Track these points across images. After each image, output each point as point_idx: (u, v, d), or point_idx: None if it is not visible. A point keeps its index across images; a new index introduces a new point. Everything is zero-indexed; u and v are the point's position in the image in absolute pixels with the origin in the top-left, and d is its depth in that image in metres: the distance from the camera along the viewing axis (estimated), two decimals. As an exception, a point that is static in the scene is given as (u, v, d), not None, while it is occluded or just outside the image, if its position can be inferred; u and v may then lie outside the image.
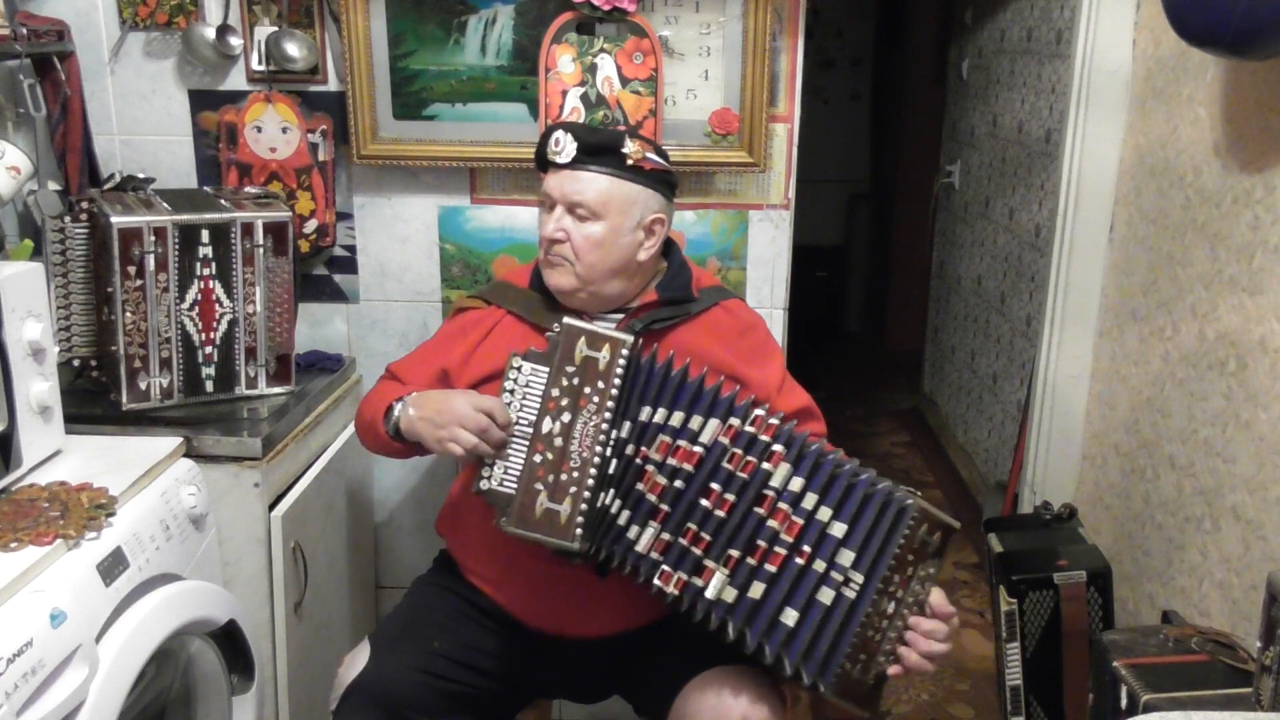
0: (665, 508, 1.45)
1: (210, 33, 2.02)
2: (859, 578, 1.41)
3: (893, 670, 1.42)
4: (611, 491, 1.47)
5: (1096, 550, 2.14)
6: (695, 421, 1.47)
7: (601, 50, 1.97)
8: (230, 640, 1.67)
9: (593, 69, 1.98)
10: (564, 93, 1.99)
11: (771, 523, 1.43)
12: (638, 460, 1.47)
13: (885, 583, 1.41)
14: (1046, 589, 2.05)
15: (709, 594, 1.42)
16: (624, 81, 1.98)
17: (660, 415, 1.48)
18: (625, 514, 1.47)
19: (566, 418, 1.47)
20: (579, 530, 1.45)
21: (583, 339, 1.49)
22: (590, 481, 1.45)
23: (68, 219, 1.80)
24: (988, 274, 3.56)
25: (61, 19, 2.01)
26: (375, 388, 1.76)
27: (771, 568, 1.42)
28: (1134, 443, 2.16)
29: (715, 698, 1.52)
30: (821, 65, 5.60)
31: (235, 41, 2.03)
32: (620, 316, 1.69)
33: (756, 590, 1.42)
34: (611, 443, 1.47)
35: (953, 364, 4.03)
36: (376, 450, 1.72)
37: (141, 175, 1.94)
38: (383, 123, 2.05)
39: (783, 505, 1.44)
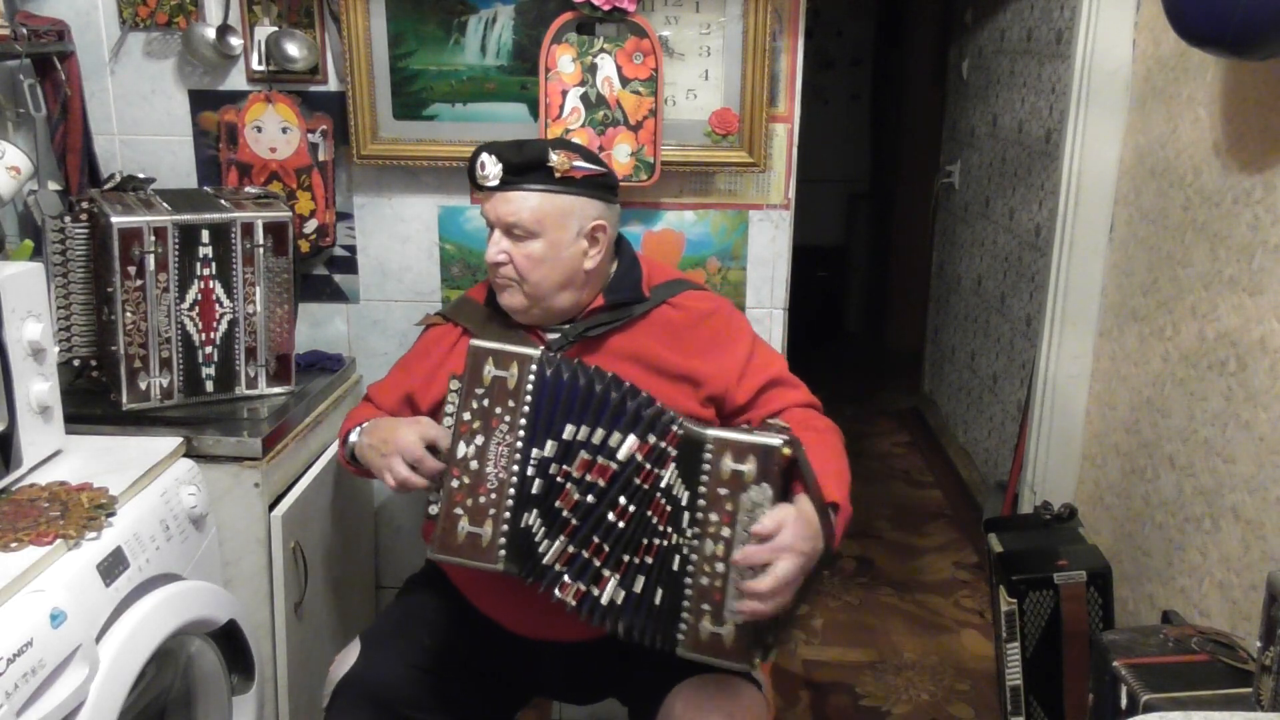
0: (575, 521, 1.44)
1: (210, 33, 2.02)
2: (690, 532, 1.39)
3: (748, 607, 1.36)
4: (534, 511, 1.45)
5: (1096, 550, 2.14)
6: (614, 439, 1.43)
7: (601, 50, 1.97)
8: (230, 640, 1.67)
9: (593, 69, 1.98)
10: (564, 93, 1.99)
11: (654, 520, 1.43)
12: (559, 479, 1.45)
13: (701, 525, 1.39)
14: (1046, 589, 2.05)
15: (603, 600, 1.42)
16: (624, 81, 1.98)
17: (583, 432, 1.44)
18: (543, 530, 1.45)
19: (480, 440, 1.45)
20: (502, 552, 1.44)
21: (490, 360, 1.45)
22: (510, 502, 1.43)
23: (68, 219, 1.80)
24: (988, 274, 3.56)
25: (61, 19, 2.01)
26: (352, 411, 1.78)
27: (649, 559, 1.42)
28: (1134, 443, 2.16)
29: (698, 701, 1.52)
30: (821, 65, 5.60)
31: (235, 41, 2.03)
32: (568, 327, 1.68)
33: (638, 584, 1.42)
34: (533, 462, 1.44)
35: (953, 364, 4.03)
36: (352, 472, 1.73)
37: (141, 175, 1.94)
38: (383, 123, 2.05)
39: (662, 500, 1.43)
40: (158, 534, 1.54)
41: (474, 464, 1.45)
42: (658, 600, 1.42)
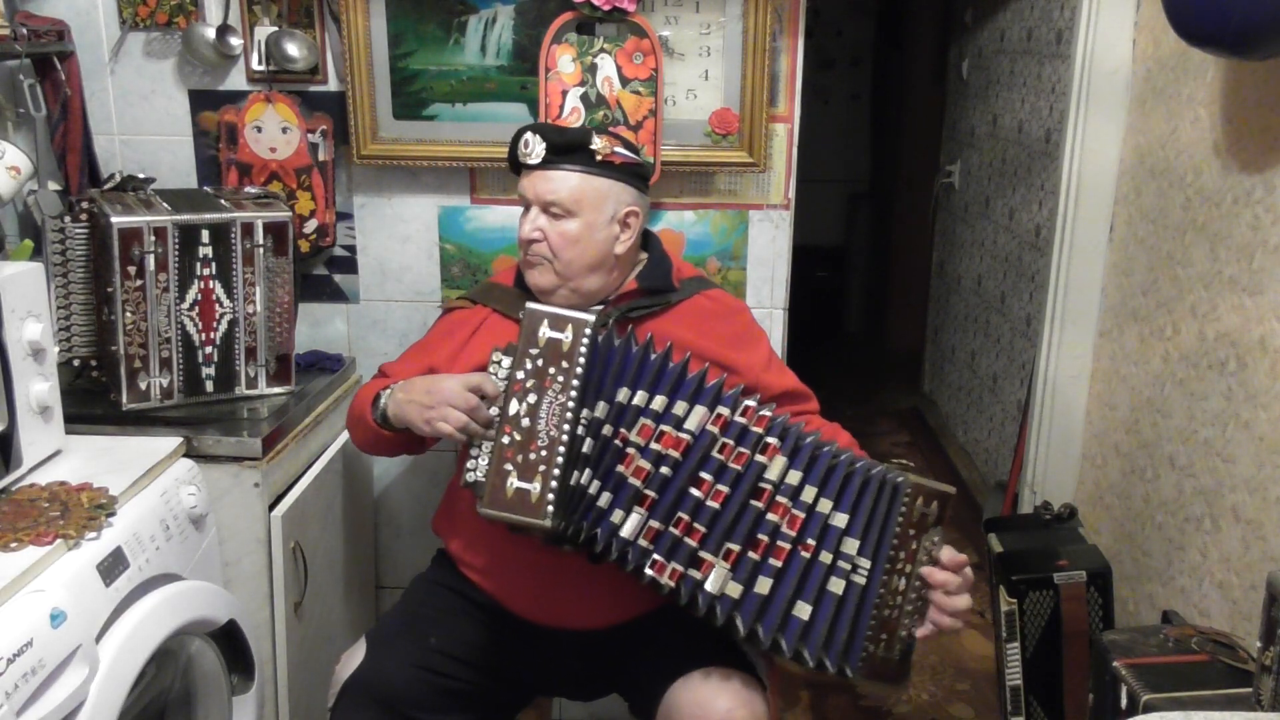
0: (652, 494, 1.45)
1: (210, 33, 2.02)
2: (865, 563, 1.44)
3: (921, 632, 1.46)
4: (589, 471, 1.47)
5: (1096, 550, 2.14)
6: (679, 407, 1.47)
7: (601, 50, 1.97)
8: (230, 640, 1.67)
9: (593, 69, 1.98)
10: (564, 93, 1.99)
11: (771, 516, 1.44)
12: (616, 442, 1.47)
13: (892, 562, 1.45)
14: (1046, 589, 2.04)
15: (709, 588, 1.43)
16: (624, 81, 1.98)
17: (640, 398, 1.47)
18: (606, 496, 1.46)
19: (533, 399, 1.47)
20: (550, 508, 1.44)
21: (545, 321, 1.49)
22: (560, 459, 1.45)
23: (68, 219, 1.80)
24: (988, 274, 3.56)
25: (61, 19, 2.01)
26: (366, 384, 1.77)
27: (776, 562, 1.43)
28: (1134, 443, 2.16)
29: (698, 696, 1.52)
30: (821, 65, 5.60)
31: (235, 41, 2.03)
32: (601, 309, 1.69)
33: (764, 585, 1.43)
34: (583, 422, 1.47)
35: (953, 364, 4.03)
36: (366, 446, 1.73)
37: (141, 175, 1.94)
38: (383, 123, 2.05)
39: (782, 499, 1.44)
40: (158, 534, 1.54)
41: (525, 421, 1.47)
42: (804, 616, 1.44)
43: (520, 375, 1.48)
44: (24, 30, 1.86)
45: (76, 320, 1.83)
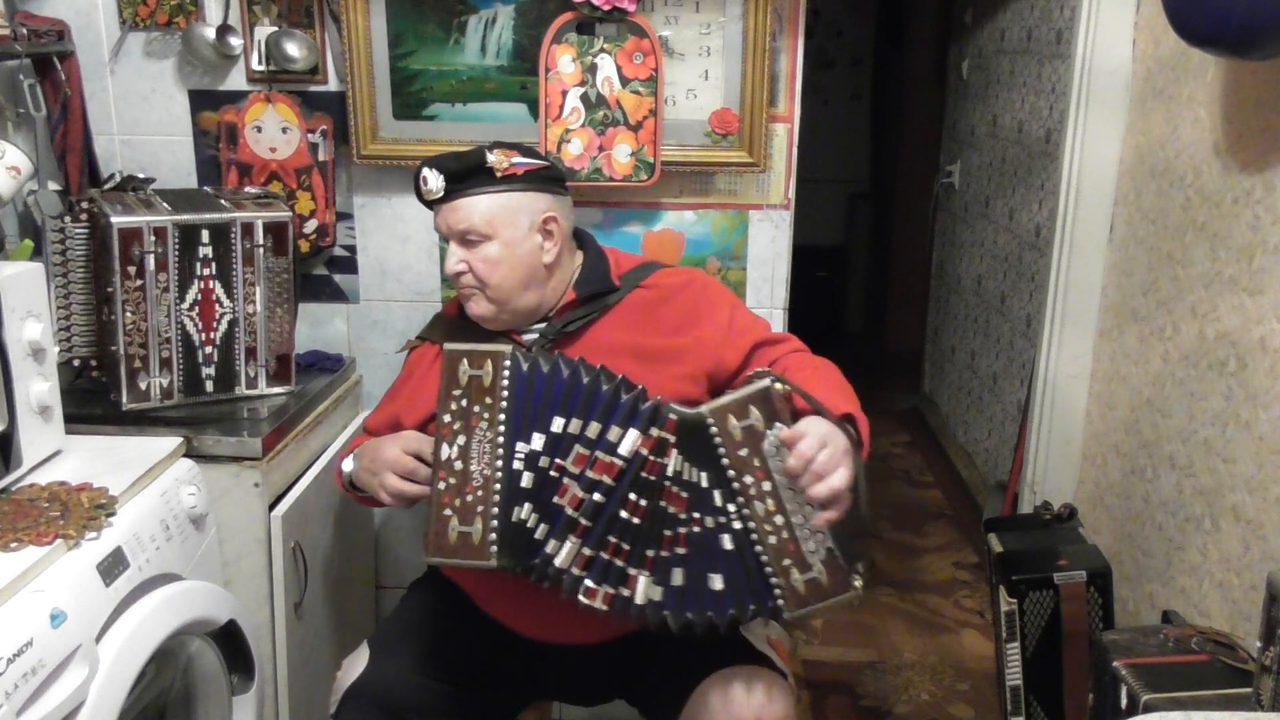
0: (585, 522, 1.43)
1: (210, 33, 2.02)
2: (732, 508, 1.42)
3: (825, 518, 1.39)
4: (528, 506, 1.44)
5: (1096, 550, 2.14)
6: (614, 433, 1.43)
7: (601, 50, 1.97)
8: (230, 640, 1.67)
9: (593, 69, 1.98)
10: (564, 93, 1.99)
11: (670, 508, 1.43)
12: (553, 473, 1.44)
13: (743, 492, 1.41)
14: (1046, 589, 2.04)
15: (638, 600, 1.42)
16: (624, 81, 1.98)
17: (574, 425, 1.43)
18: (543, 527, 1.44)
19: (462, 440, 1.45)
20: (494, 548, 1.43)
21: (464, 360, 1.46)
22: (496, 498, 1.44)
23: (68, 219, 1.80)
24: (988, 274, 3.56)
25: (61, 19, 2.01)
26: (346, 445, 1.80)
27: (681, 549, 1.43)
28: (1134, 443, 2.16)
29: (729, 698, 1.51)
30: (821, 65, 5.59)
31: (235, 41, 2.03)
32: (544, 326, 1.68)
33: (678, 577, 1.43)
34: (519, 455, 1.44)
35: (953, 364, 4.03)
36: (356, 500, 1.73)
37: (141, 175, 1.94)
38: (383, 123, 2.05)
39: (673, 487, 1.44)
40: (158, 534, 1.54)
41: (458, 464, 1.45)
42: (719, 585, 1.42)
43: (446, 419, 1.46)
44: (24, 30, 1.86)
45: (76, 320, 1.83)
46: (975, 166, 3.77)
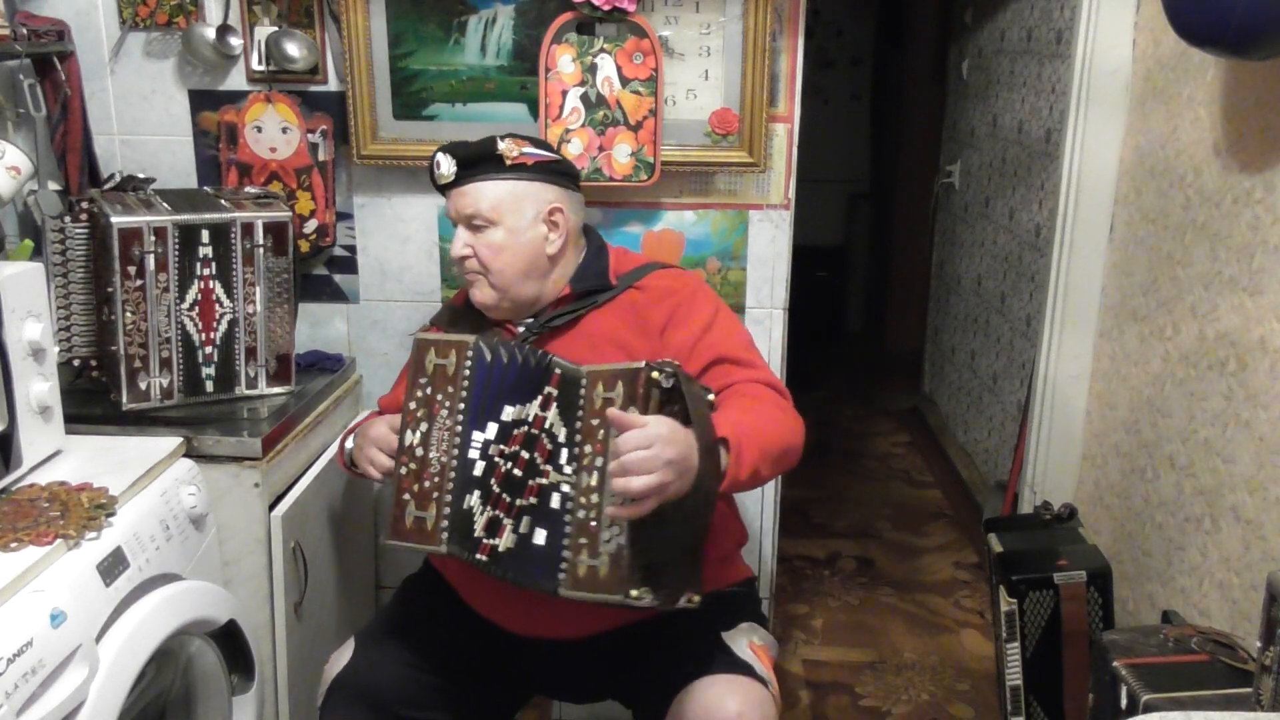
0: (497, 489, 1.46)
1: (210, 33, 2.02)
2: (570, 469, 1.41)
3: (611, 511, 1.34)
4: (476, 493, 1.47)
5: (1096, 550, 2.14)
6: (534, 406, 1.47)
7: (601, 50, 1.97)
8: (230, 640, 1.67)
9: (593, 69, 1.98)
10: (564, 93, 1.99)
11: (538, 459, 1.44)
12: (497, 459, 1.47)
13: (579, 460, 1.40)
14: (1046, 589, 2.05)
15: (501, 549, 1.43)
16: (624, 81, 1.98)
17: (519, 411, 1.47)
18: (481, 514, 1.47)
19: (425, 427, 1.48)
20: (445, 534, 1.45)
21: (432, 350, 1.50)
22: (451, 485, 1.46)
23: (68, 219, 1.80)
24: (988, 274, 3.56)
25: (61, 19, 2.01)
26: (355, 423, 1.83)
27: (534, 499, 1.44)
28: (1134, 443, 2.16)
29: (707, 702, 1.51)
30: (821, 65, 5.59)
31: (235, 41, 2.04)
32: (530, 320, 1.70)
33: (525, 526, 1.44)
34: (474, 445, 1.47)
35: (953, 364, 4.03)
36: (354, 476, 1.77)
37: (141, 175, 1.95)
38: (383, 123, 2.05)
39: (544, 439, 1.45)
40: (158, 534, 1.54)
41: (419, 450, 1.48)
42: (541, 541, 1.42)
43: (412, 405, 1.49)
44: (24, 30, 1.86)
45: (76, 320, 1.83)
46: (975, 166, 3.77)
